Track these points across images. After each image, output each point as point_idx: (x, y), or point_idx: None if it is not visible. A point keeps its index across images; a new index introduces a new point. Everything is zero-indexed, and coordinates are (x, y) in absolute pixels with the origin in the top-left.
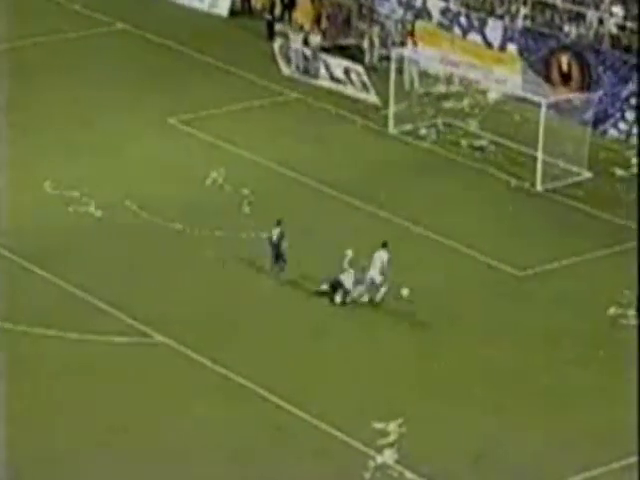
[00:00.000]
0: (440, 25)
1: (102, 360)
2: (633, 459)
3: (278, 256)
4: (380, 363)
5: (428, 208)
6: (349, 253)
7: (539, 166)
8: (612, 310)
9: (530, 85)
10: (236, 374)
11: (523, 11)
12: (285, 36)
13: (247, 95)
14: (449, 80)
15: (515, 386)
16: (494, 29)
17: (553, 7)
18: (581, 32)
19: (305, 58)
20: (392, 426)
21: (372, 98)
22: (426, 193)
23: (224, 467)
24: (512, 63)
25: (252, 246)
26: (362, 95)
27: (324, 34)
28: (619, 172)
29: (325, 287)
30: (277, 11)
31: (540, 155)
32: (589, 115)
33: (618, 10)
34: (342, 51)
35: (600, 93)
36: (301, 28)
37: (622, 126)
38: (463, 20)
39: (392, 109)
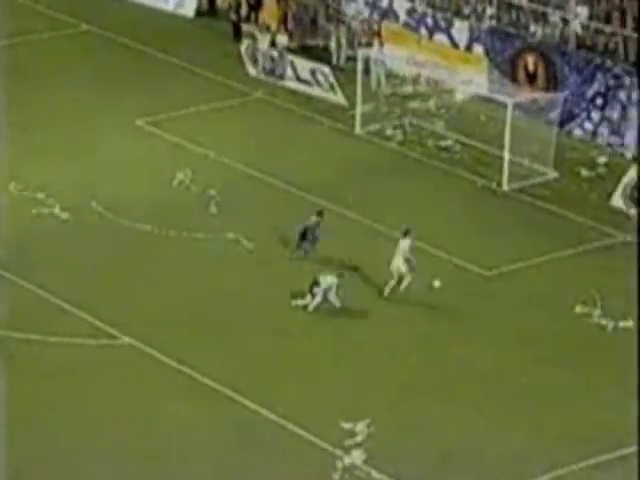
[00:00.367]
0: (406, 26)
1: (68, 362)
2: (605, 457)
3: (305, 239)
4: (349, 362)
5: (395, 209)
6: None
7: (505, 166)
8: (578, 309)
9: (496, 85)
10: (202, 375)
11: (489, 11)
12: (252, 37)
13: (214, 96)
14: (416, 80)
15: (485, 385)
16: (460, 29)
17: (519, 7)
18: (547, 32)
19: (272, 59)
20: (360, 426)
21: (339, 99)
22: (393, 194)
23: (190, 468)
24: (478, 63)
25: (219, 247)
26: (329, 96)
27: (290, 35)
28: (585, 172)
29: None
30: (243, 12)
31: (506, 155)
32: (555, 115)
33: (583, 10)
34: (309, 52)
35: (566, 93)
36: (267, 29)
37: (588, 126)
38: (429, 21)
39: (359, 110)
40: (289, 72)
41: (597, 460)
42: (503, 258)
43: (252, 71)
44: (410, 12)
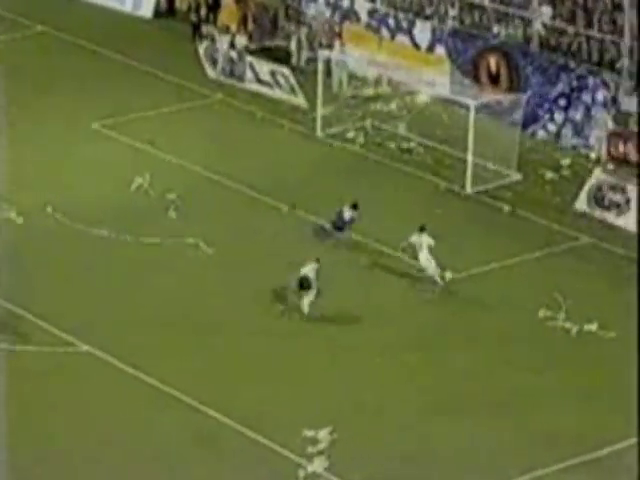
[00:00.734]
0: (368, 26)
1: (24, 371)
2: (571, 461)
3: (339, 228)
4: (310, 368)
5: (357, 212)
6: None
7: (469, 168)
8: (542, 313)
9: (458, 87)
10: (163, 383)
11: (451, 12)
12: (211, 38)
13: (172, 98)
14: (377, 82)
15: (447, 389)
16: (422, 30)
17: (481, 8)
18: (509, 32)
19: (231, 60)
20: (322, 433)
21: (299, 101)
22: (354, 196)
23: (149, 477)
24: (440, 65)
25: (178, 252)
26: (289, 98)
27: (250, 36)
28: (549, 174)
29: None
30: (202, 12)
31: (469, 157)
32: (518, 116)
33: (547, 10)
34: (269, 53)
35: (529, 94)
36: (227, 30)
37: (551, 127)
38: (391, 21)
39: (320, 112)
40: (249, 74)
41: (560, 465)
42: (466, 262)
43: (211, 73)
44: (371, 13)
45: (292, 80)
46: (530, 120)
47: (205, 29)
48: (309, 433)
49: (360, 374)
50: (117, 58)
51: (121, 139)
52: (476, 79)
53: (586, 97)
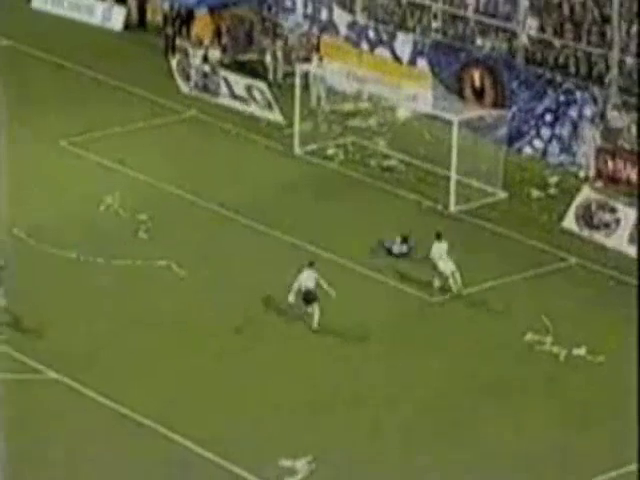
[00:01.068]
0: (347, 39)
1: None
2: None
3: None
4: (287, 394)
5: (336, 232)
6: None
7: (452, 186)
8: (529, 336)
9: (441, 102)
10: (132, 410)
11: (434, 24)
12: (183, 51)
13: (143, 114)
14: (357, 97)
15: (426, 416)
16: (403, 43)
17: (465, 20)
18: (494, 45)
19: (204, 75)
20: (300, 463)
21: (276, 116)
22: (334, 216)
23: None
24: (422, 79)
25: (150, 274)
26: (265, 113)
27: (224, 49)
28: (535, 192)
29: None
30: (175, 25)
31: (453, 175)
32: (503, 133)
33: (533, 22)
34: (244, 67)
35: (514, 109)
36: (200, 43)
37: (537, 144)
38: (371, 34)
39: (297, 128)
40: (223, 88)
41: None
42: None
43: (184, 88)
44: (351, 25)
45: (268, 95)
46: (516, 136)
47: (178, 42)
48: (286, 463)
49: (339, 402)
50: (86, 72)
51: (90, 157)
52: (459, 94)
53: (574, 112)
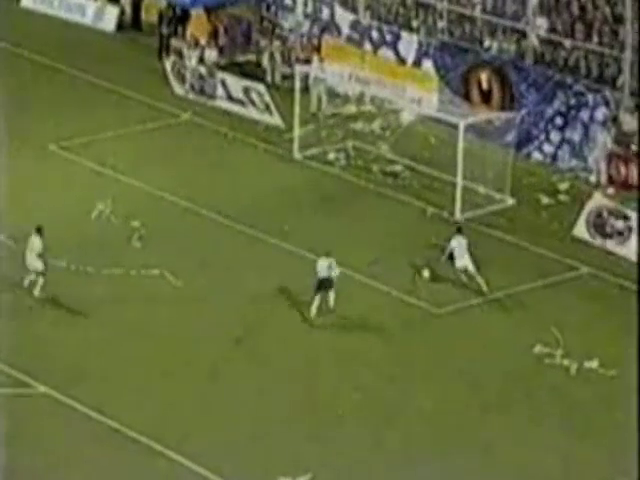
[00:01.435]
0: (349, 40)
1: None
2: None
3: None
4: (287, 409)
5: (337, 240)
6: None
7: (458, 193)
8: (538, 349)
9: (447, 105)
10: (124, 425)
11: (440, 24)
12: (179, 53)
13: (136, 118)
14: (359, 100)
15: (432, 433)
16: (408, 44)
17: (472, 20)
18: (502, 46)
19: (200, 77)
20: None
21: (275, 120)
22: (335, 223)
23: None
24: (427, 81)
25: (143, 284)
26: (264, 117)
27: (221, 50)
28: (544, 199)
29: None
30: (170, 25)
31: (459, 181)
32: (511, 137)
33: (542, 22)
34: (241, 68)
35: (523, 112)
36: (196, 44)
37: (547, 148)
38: (374, 34)
39: (297, 132)
40: (220, 91)
41: None
42: (455, 294)
43: (179, 90)
44: (353, 25)
45: (267, 98)
46: (524, 141)
47: (173, 43)
48: None
49: (337, 417)
50: (77, 74)
51: (81, 162)
52: (466, 96)
53: (585, 116)
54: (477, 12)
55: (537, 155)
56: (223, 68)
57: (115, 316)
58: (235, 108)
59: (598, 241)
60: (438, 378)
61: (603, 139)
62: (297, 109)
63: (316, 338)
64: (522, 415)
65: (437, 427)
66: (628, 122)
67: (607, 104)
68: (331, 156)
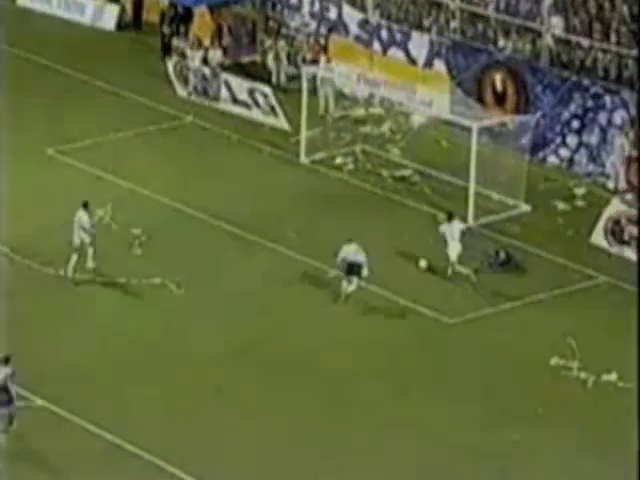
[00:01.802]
0: (358, 39)
1: None
2: None
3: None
4: (290, 424)
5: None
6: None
7: (471, 199)
8: (554, 361)
9: (459, 107)
10: (124, 440)
11: (452, 24)
12: (181, 53)
13: (137, 121)
14: (368, 102)
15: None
16: (419, 44)
17: (485, 19)
18: (517, 46)
19: (204, 78)
20: None
21: (281, 123)
22: (342, 230)
23: None
24: (439, 82)
25: (144, 293)
26: (269, 119)
27: (225, 50)
28: (561, 205)
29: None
30: (172, 24)
31: (472, 186)
32: (526, 140)
33: (558, 21)
34: (246, 69)
35: (538, 115)
36: (199, 44)
37: (563, 152)
38: (384, 34)
39: (304, 135)
40: (224, 92)
41: None
42: (468, 304)
43: (181, 92)
44: (362, 24)
45: (272, 100)
46: (540, 144)
47: (175, 43)
48: None
49: (347, 429)
50: (75, 75)
51: (79, 166)
52: (479, 98)
53: (602, 119)
54: (490, 11)
55: (553, 159)
56: (227, 69)
57: (113, 326)
58: (239, 110)
59: (616, 248)
60: (450, 390)
61: (621, 143)
62: (304, 111)
63: (324, 350)
64: (537, 429)
65: (455, 439)
66: None
67: (625, 106)
68: (339, 160)
